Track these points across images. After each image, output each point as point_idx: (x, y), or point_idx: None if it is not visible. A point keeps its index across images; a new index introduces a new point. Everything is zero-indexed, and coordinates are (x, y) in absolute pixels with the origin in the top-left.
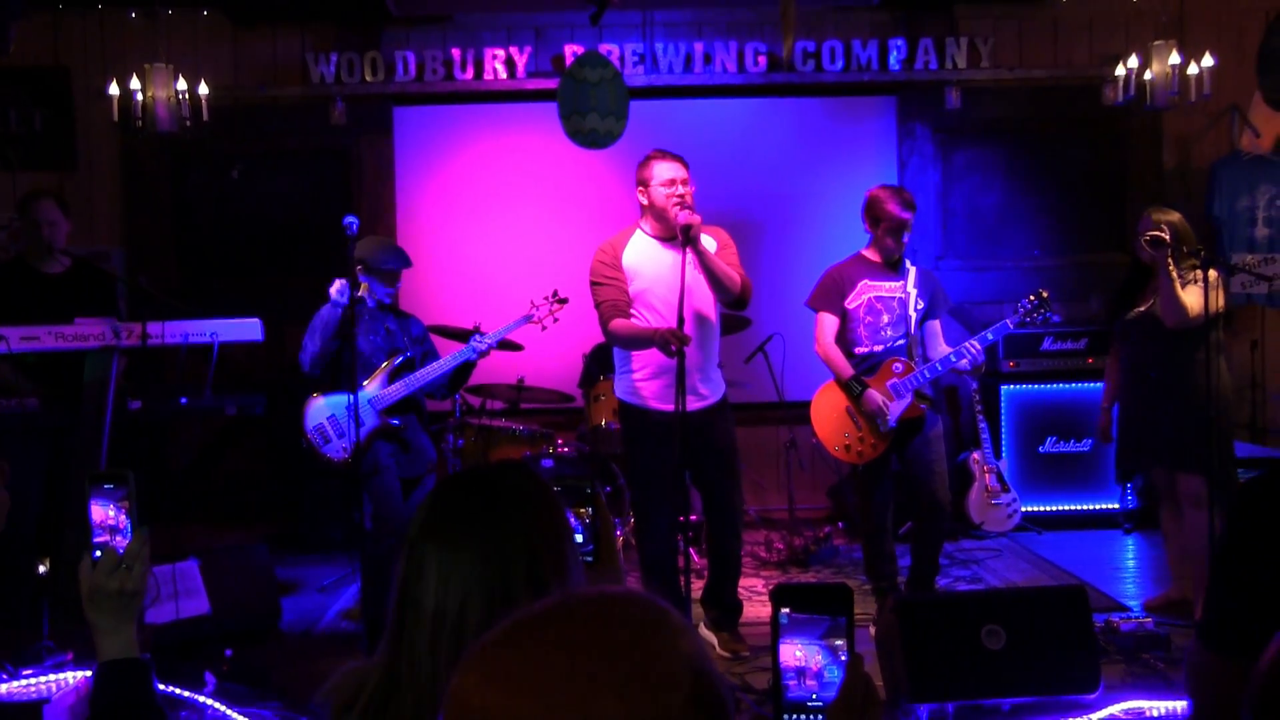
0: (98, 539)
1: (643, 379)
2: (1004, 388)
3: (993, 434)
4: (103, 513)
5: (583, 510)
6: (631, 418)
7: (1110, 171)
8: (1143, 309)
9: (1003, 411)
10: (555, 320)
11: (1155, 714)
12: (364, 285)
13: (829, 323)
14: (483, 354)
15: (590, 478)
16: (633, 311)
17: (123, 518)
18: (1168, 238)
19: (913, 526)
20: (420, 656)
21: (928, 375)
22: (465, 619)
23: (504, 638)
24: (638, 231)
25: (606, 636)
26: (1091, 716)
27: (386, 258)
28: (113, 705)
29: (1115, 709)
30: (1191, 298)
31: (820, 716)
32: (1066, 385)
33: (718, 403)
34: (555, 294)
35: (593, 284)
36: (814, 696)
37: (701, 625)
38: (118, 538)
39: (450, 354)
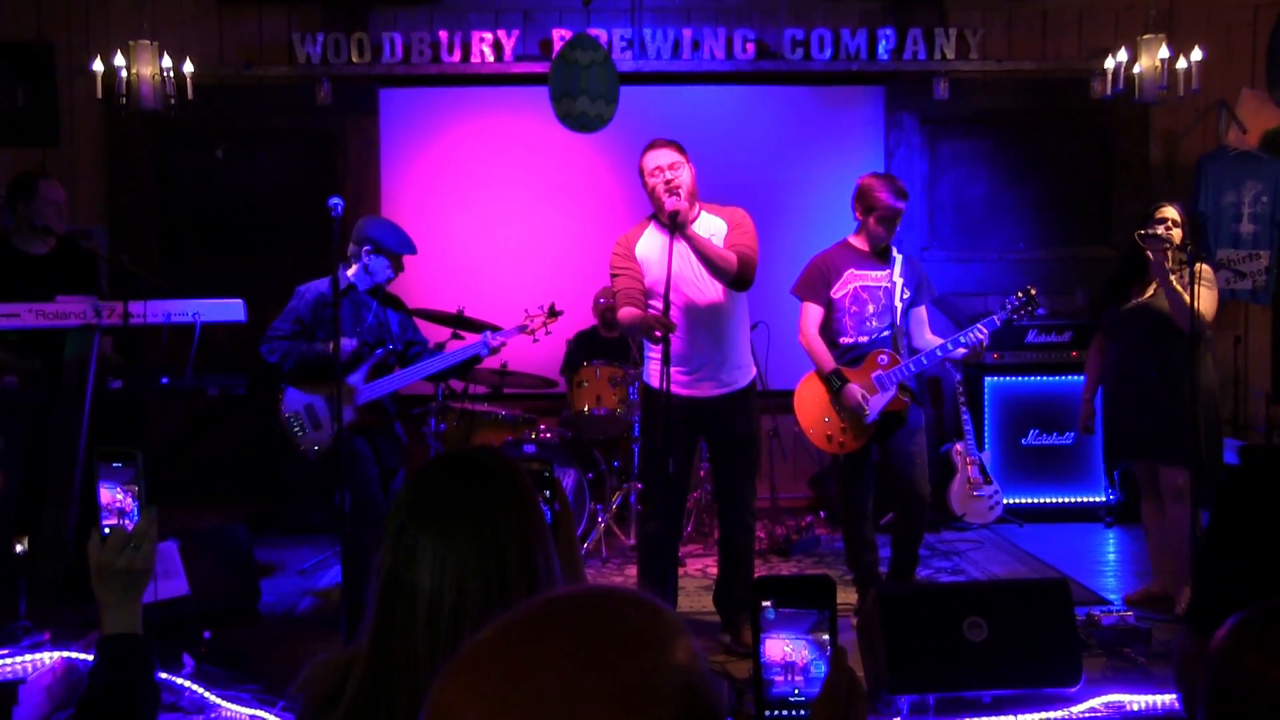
0: (106, 518)
1: (659, 363)
2: (988, 379)
3: (976, 426)
4: (110, 493)
5: (543, 494)
6: (648, 400)
7: (1097, 165)
8: (1141, 300)
9: (986, 403)
10: (548, 333)
11: (1136, 708)
12: (356, 265)
13: (813, 313)
14: (493, 351)
15: (550, 462)
16: (650, 302)
17: (130, 498)
18: (1163, 233)
19: (893, 518)
20: (415, 643)
21: (912, 369)
22: (463, 604)
23: (487, 645)
24: (651, 224)
25: (593, 648)
26: (1072, 709)
27: (398, 240)
28: (111, 678)
29: (1096, 702)
30: (1205, 301)
31: (803, 711)
32: (1050, 378)
33: (740, 390)
34: (552, 307)
35: (611, 276)
36: (796, 691)
37: (720, 632)
38: (125, 519)
39: (445, 342)
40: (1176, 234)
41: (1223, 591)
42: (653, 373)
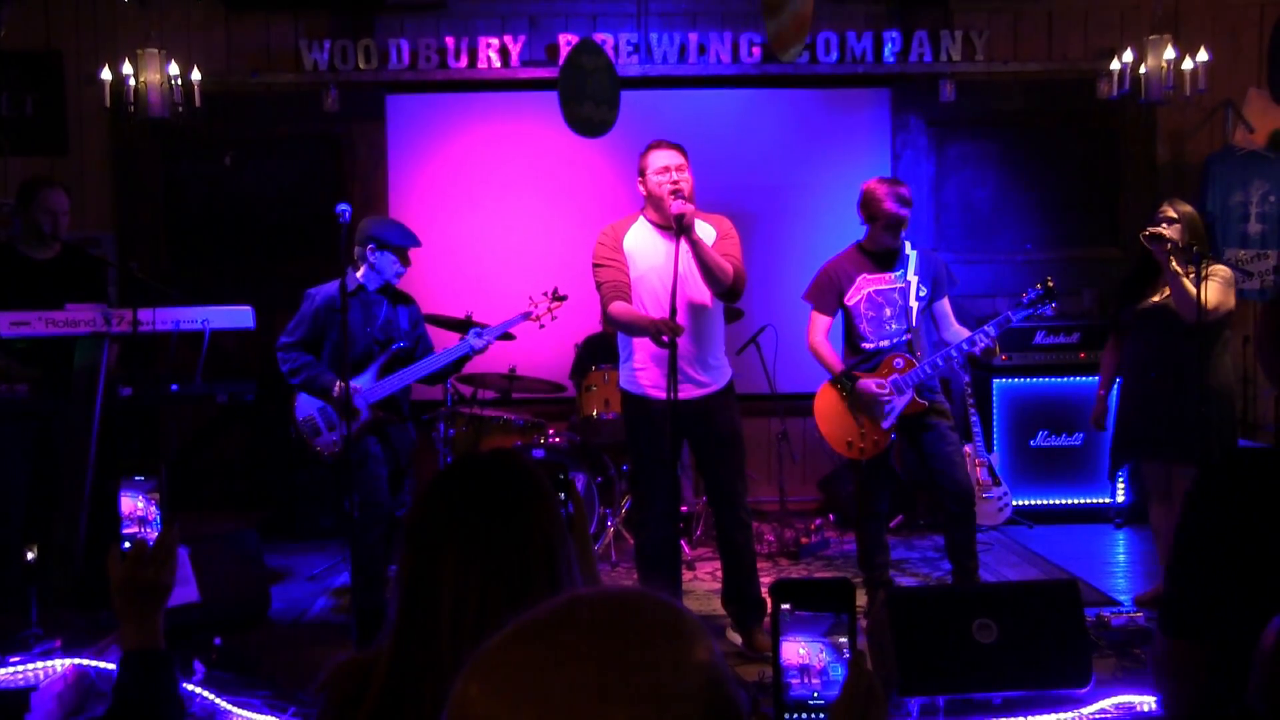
0: (126, 529)
1: (641, 368)
2: (996, 381)
3: (984, 427)
4: (132, 504)
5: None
6: (631, 406)
7: (1104, 166)
8: (1156, 300)
9: (995, 405)
10: (553, 318)
11: (1146, 709)
12: (364, 266)
13: (820, 321)
14: (479, 350)
15: (564, 465)
16: (637, 297)
17: (153, 509)
18: (1168, 233)
19: (946, 518)
20: (438, 647)
21: (930, 370)
22: (486, 607)
23: (509, 644)
24: (640, 219)
25: (617, 646)
26: (1082, 711)
27: (401, 234)
28: (136, 695)
29: (1106, 703)
30: (1212, 294)
31: (822, 715)
32: (1059, 379)
33: (720, 390)
34: (555, 291)
35: (594, 266)
36: (815, 695)
37: (728, 629)
38: (147, 528)
39: (445, 345)
40: (1167, 230)
41: (1192, 596)
42: (641, 381)
